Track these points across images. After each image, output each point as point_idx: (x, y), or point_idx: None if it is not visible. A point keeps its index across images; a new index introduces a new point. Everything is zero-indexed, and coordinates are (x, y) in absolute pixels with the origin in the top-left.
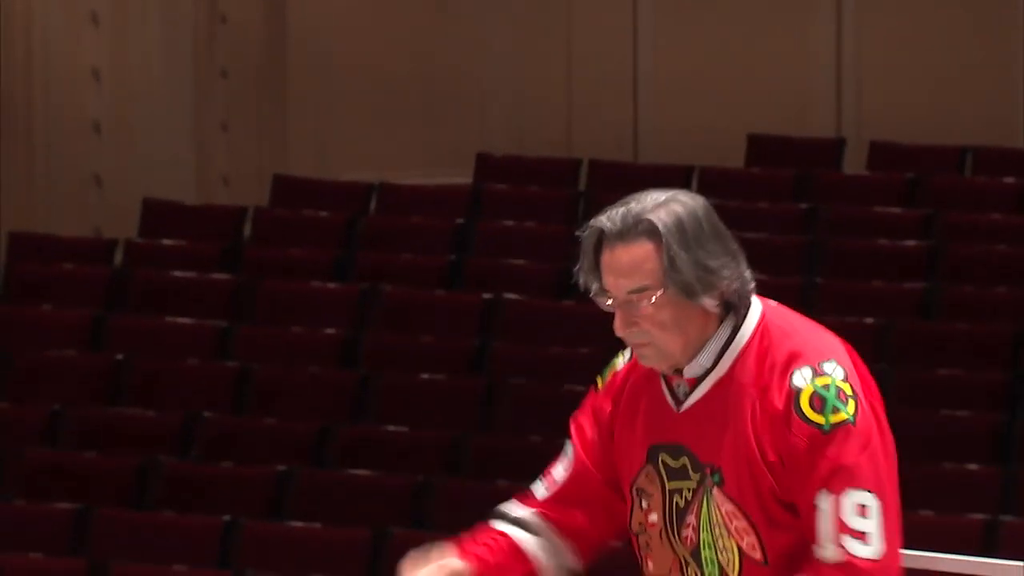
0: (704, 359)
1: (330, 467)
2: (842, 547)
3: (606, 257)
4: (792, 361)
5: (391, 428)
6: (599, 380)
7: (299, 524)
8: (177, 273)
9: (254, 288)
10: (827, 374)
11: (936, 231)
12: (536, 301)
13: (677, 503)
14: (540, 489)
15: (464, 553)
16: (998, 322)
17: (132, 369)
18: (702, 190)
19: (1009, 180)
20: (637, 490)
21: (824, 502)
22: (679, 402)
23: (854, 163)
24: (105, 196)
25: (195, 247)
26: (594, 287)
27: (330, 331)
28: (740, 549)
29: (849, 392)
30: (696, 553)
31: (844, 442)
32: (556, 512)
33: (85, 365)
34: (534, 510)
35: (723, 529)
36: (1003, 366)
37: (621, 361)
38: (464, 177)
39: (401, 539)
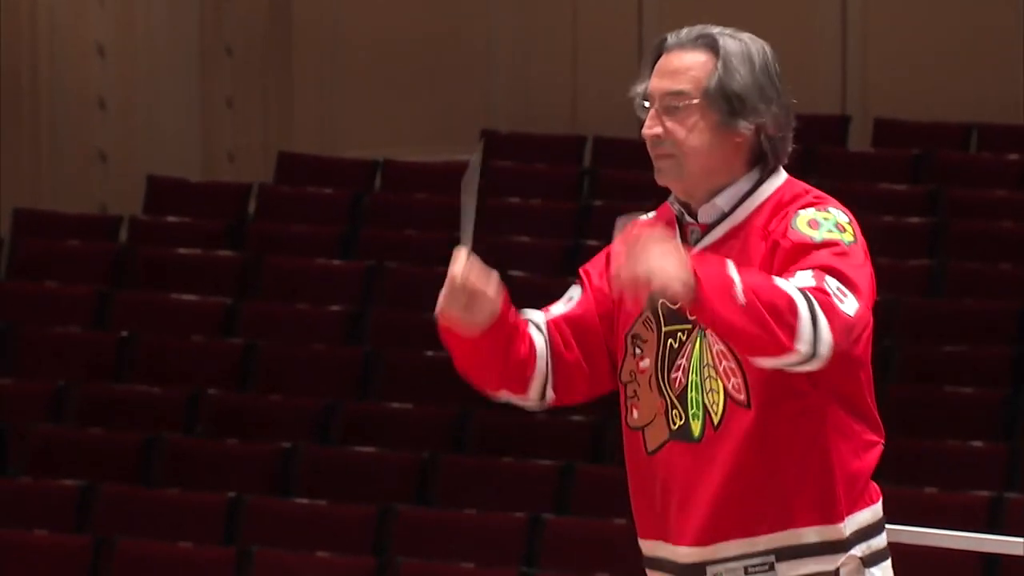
0: (722, 201)
1: (335, 444)
2: (820, 278)
3: (661, 62)
4: (798, 200)
5: (396, 405)
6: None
7: (304, 501)
8: (182, 250)
9: (259, 265)
10: (830, 211)
11: (941, 208)
12: (541, 278)
13: (671, 345)
14: (558, 307)
15: (506, 302)
16: (1003, 298)
17: (137, 345)
18: None
19: (1014, 157)
20: (632, 336)
21: (804, 271)
22: (689, 249)
23: (859, 140)
24: (110, 172)
25: (200, 224)
26: (639, 92)
27: (335, 308)
28: (726, 390)
29: (849, 229)
30: (683, 395)
31: (832, 252)
32: (563, 336)
33: (90, 341)
34: (549, 320)
35: (712, 370)
36: (1008, 342)
37: (643, 216)
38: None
39: (406, 516)
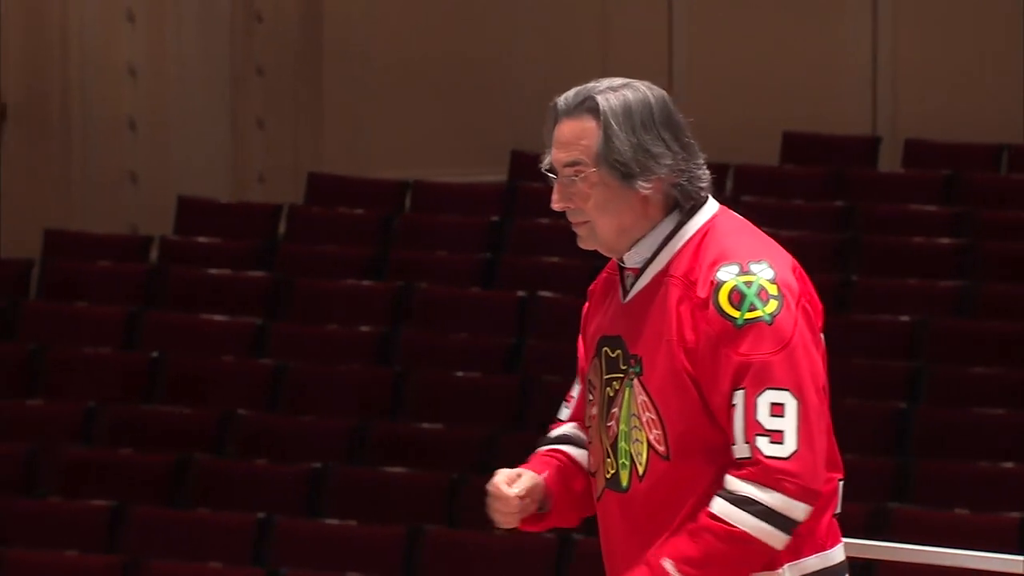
0: (643, 250)
1: (365, 464)
2: (753, 446)
3: (556, 132)
4: (723, 257)
5: (425, 426)
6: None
7: (334, 521)
8: (212, 270)
9: (289, 285)
10: (753, 273)
11: (971, 229)
12: (570, 299)
13: (608, 393)
14: (564, 411)
15: (537, 468)
16: None
17: (167, 366)
18: (737, 188)
19: None
20: (588, 381)
21: (738, 399)
22: (626, 294)
23: (889, 161)
24: (141, 193)
25: (230, 244)
26: (545, 161)
27: (365, 328)
28: (649, 441)
29: (772, 293)
30: (615, 444)
31: (756, 339)
32: (583, 426)
33: (120, 362)
34: (572, 424)
35: (637, 420)
36: None
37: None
38: (499, 175)
39: (435, 537)
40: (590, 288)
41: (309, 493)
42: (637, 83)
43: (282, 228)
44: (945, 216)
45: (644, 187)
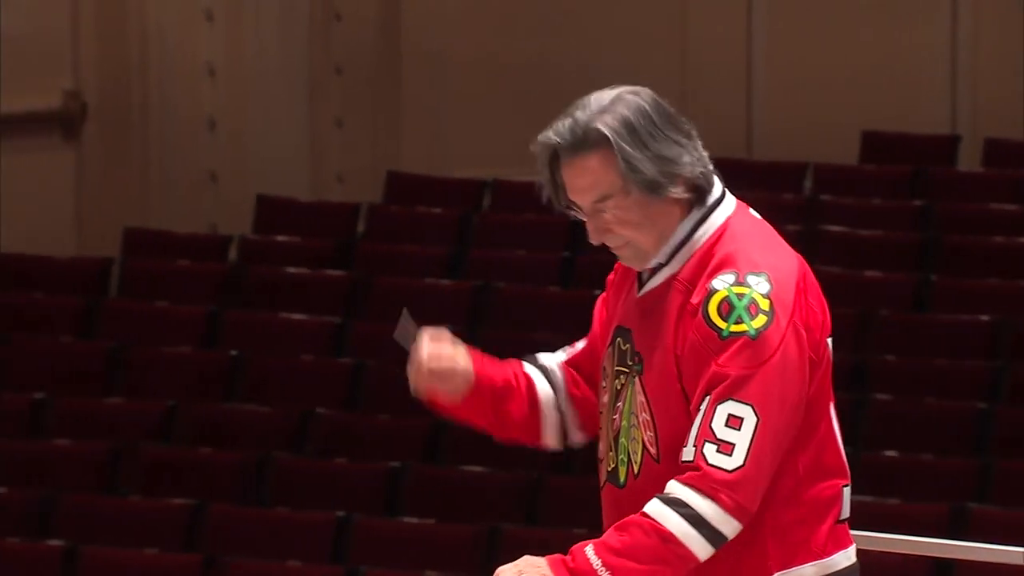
0: (661, 254)
1: (443, 463)
2: (699, 451)
3: (565, 172)
4: (724, 264)
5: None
6: None
7: (412, 520)
8: (291, 269)
9: (368, 284)
10: (747, 285)
11: None
12: None
13: (616, 386)
14: (562, 352)
15: (477, 359)
16: None
17: (246, 365)
18: (816, 187)
19: None
20: (603, 368)
21: (703, 406)
22: (641, 288)
23: (969, 159)
24: (220, 192)
25: (309, 243)
26: (562, 202)
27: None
28: (643, 442)
29: (764, 307)
30: (616, 439)
31: (737, 352)
32: (572, 375)
33: (200, 361)
34: (559, 360)
35: (635, 419)
36: None
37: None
38: None
39: (513, 535)
40: (610, 275)
41: (387, 492)
42: (623, 92)
43: (361, 227)
44: None
45: (675, 192)
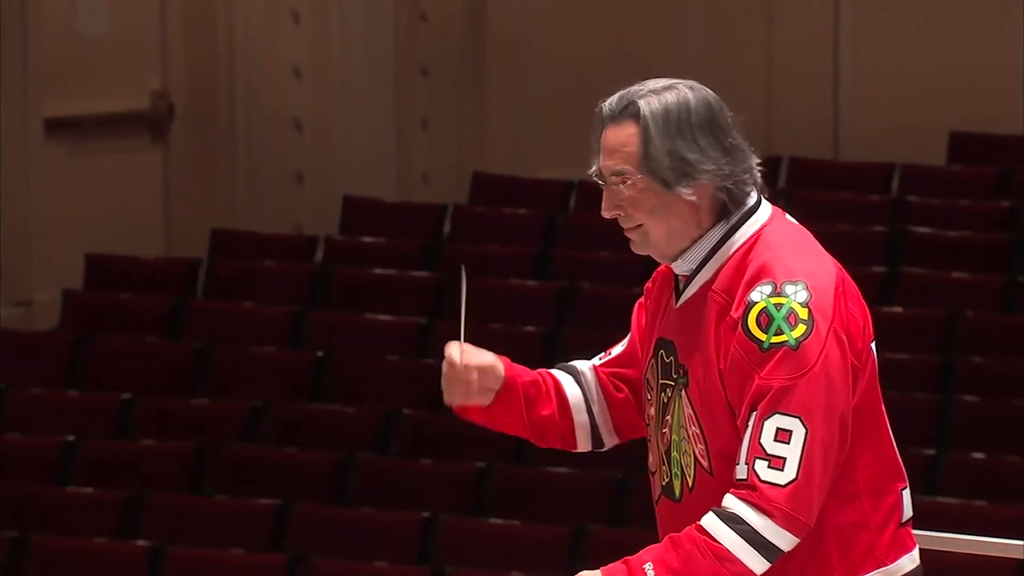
0: (691, 259)
1: (529, 464)
2: (751, 469)
3: (602, 138)
4: (761, 275)
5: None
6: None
7: (498, 521)
8: (377, 270)
9: (454, 285)
10: (786, 295)
11: None
12: None
13: (663, 399)
14: (595, 359)
15: (509, 366)
16: None
17: (332, 365)
18: (903, 188)
19: None
20: (646, 380)
21: (751, 421)
22: (679, 298)
23: None
24: (306, 193)
25: (395, 244)
26: (593, 167)
27: (529, 328)
28: (695, 455)
29: (803, 317)
30: (668, 452)
31: (779, 363)
32: (608, 379)
33: (285, 361)
34: (591, 364)
35: (685, 432)
36: None
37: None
38: None
39: (599, 536)
40: (648, 283)
41: (473, 492)
42: (681, 84)
43: (446, 228)
44: None
45: (686, 193)
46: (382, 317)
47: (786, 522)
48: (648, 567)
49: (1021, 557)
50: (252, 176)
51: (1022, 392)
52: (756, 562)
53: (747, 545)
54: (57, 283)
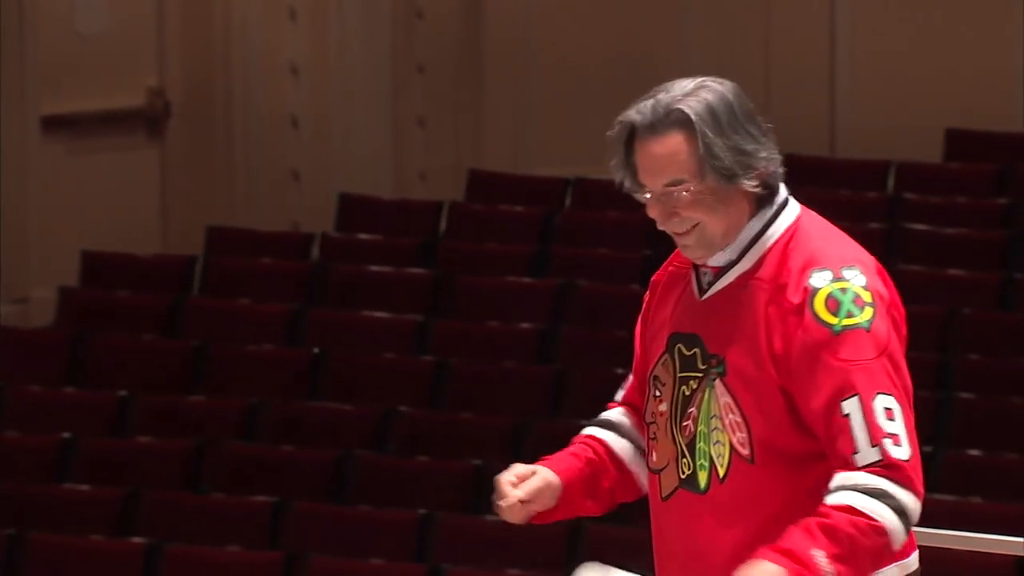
0: (730, 250)
1: (527, 461)
2: (882, 449)
3: (639, 151)
4: (813, 262)
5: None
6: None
7: (495, 518)
8: (374, 267)
9: (450, 282)
10: (846, 280)
11: None
12: None
13: (684, 392)
14: (619, 393)
15: (554, 465)
16: None
17: (329, 363)
18: (899, 185)
19: None
20: (653, 378)
21: (853, 407)
22: (703, 291)
23: None
24: (303, 191)
25: (392, 241)
26: (628, 183)
27: (526, 326)
28: (731, 444)
29: (867, 300)
30: (692, 445)
31: (856, 345)
32: (637, 414)
33: (282, 359)
34: (622, 409)
35: (719, 422)
36: None
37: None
38: None
39: (596, 533)
40: (653, 278)
41: (470, 490)
42: (708, 81)
43: (443, 225)
44: None
45: (749, 184)
46: (379, 314)
47: (919, 495)
48: (822, 560)
49: (1018, 554)
50: (249, 174)
51: (1020, 390)
52: (901, 537)
53: (897, 520)
54: (54, 280)
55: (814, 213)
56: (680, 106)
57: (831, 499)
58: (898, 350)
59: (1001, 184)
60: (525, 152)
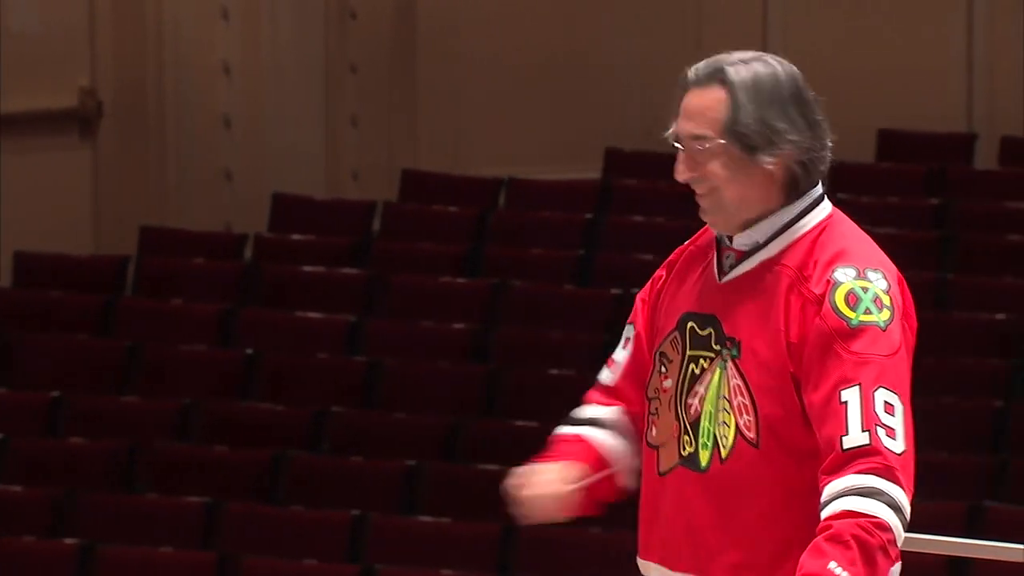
0: (758, 234)
1: (459, 462)
2: (873, 434)
3: (684, 102)
4: (840, 258)
5: (520, 423)
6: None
7: (428, 519)
8: (306, 267)
9: (383, 282)
10: (870, 280)
11: None
12: None
13: (692, 371)
14: (605, 375)
15: (573, 459)
16: None
17: (262, 363)
18: (833, 185)
19: None
20: (660, 354)
21: (852, 395)
22: (723, 273)
23: (986, 158)
24: (235, 190)
25: (325, 241)
26: (670, 131)
27: (459, 326)
28: (738, 426)
29: (887, 303)
30: (696, 423)
31: (870, 341)
32: (624, 393)
33: (215, 359)
34: (603, 405)
35: (727, 403)
36: None
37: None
38: (593, 172)
39: (530, 534)
40: (670, 258)
41: (403, 490)
42: (769, 57)
43: (376, 225)
44: None
45: (768, 162)
46: (312, 315)
47: (908, 489)
48: (832, 565)
49: (1016, 560)
50: (181, 173)
51: (952, 389)
52: (902, 528)
53: (895, 517)
54: None
55: (847, 217)
56: (728, 67)
57: (827, 511)
58: (908, 359)
59: (932, 184)
60: (459, 152)
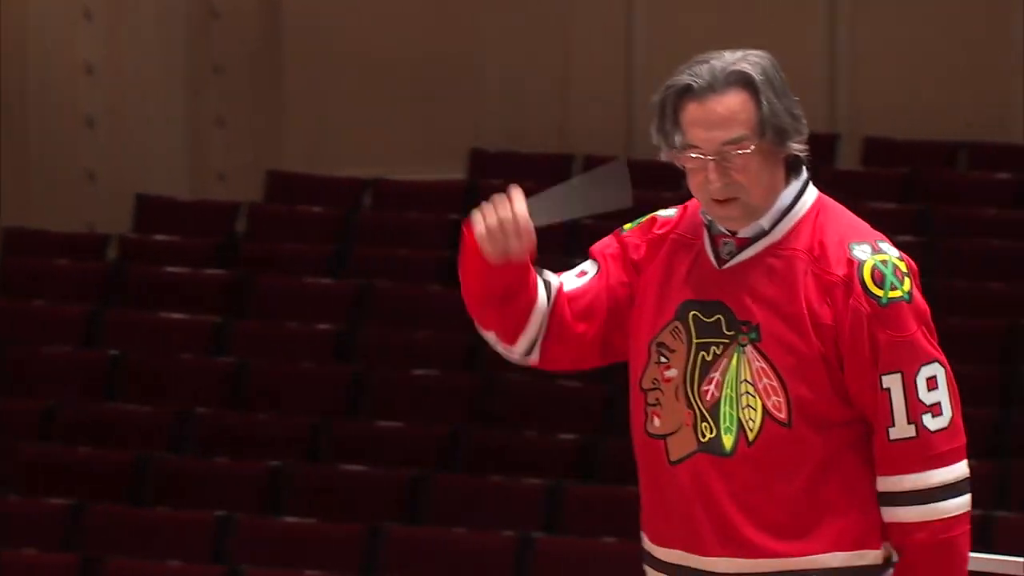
0: (764, 221)
1: (324, 462)
2: (920, 426)
3: (693, 111)
4: (850, 235)
5: (385, 424)
6: (629, 225)
7: (293, 519)
8: (171, 268)
9: (249, 283)
10: (884, 252)
11: (930, 226)
12: None
13: (703, 358)
14: (568, 276)
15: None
16: (992, 317)
17: (126, 364)
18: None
19: (1003, 175)
20: (657, 345)
21: (895, 382)
22: (722, 261)
23: (848, 158)
24: (98, 191)
25: (189, 242)
26: (677, 141)
27: (325, 326)
28: (765, 407)
29: (904, 270)
30: (715, 409)
31: (902, 318)
32: (569, 303)
33: (79, 360)
34: (560, 288)
35: (751, 386)
36: (995, 361)
37: (665, 213)
38: (458, 172)
39: (395, 534)
40: (641, 229)
41: (268, 491)
42: (750, 52)
43: (241, 226)
44: (904, 214)
45: (797, 147)
46: (177, 316)
47: (958, 455)
48: None
49: (1016, 573)
50: (43, 174)
51: None
52: (968, 503)
53: (962, 498)
54: None
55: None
56: (741, 67)
57: (892, 515)
58: (929, 314)
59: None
60: (324, 152)
